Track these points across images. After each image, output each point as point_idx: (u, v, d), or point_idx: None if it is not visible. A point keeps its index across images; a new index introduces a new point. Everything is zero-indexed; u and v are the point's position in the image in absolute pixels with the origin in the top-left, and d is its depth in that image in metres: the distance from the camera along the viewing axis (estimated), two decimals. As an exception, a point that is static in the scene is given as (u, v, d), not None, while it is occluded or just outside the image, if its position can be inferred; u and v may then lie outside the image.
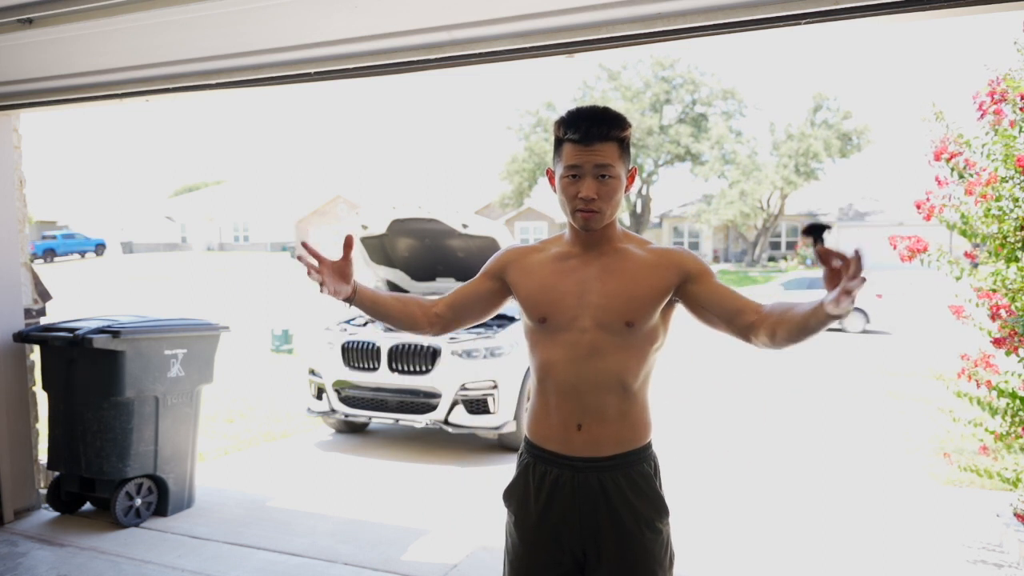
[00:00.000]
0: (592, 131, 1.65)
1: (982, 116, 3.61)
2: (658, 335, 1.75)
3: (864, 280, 1.32)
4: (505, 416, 5.59)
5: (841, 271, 1.35)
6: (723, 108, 35.03)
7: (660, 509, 1.76)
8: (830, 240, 1.42)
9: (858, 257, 1.31)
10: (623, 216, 36.40)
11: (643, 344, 1.72)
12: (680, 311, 1.80)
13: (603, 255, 1.75)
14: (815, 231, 1.44)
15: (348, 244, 1.74)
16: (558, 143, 1.72)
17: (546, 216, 40.43)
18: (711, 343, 14.01)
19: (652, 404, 1.80)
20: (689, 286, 1.72)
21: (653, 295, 1.71)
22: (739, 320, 1.66)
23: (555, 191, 1.76)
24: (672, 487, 1.92)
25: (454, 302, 1.89)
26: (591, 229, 1.71)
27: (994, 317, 3.59)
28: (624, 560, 1.71)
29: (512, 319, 6.45)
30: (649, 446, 1.79)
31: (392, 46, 3.04)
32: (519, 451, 1.88)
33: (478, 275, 1.91)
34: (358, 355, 5.91)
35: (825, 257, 1.37)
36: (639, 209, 36.39)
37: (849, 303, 1.36)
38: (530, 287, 1.78)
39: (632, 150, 1.75)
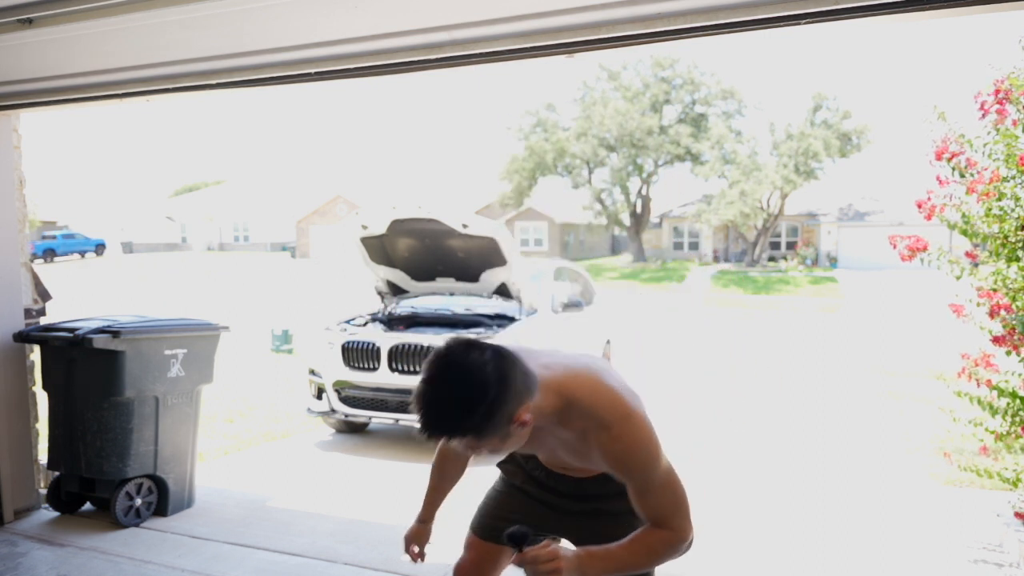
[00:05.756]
0: (435, 435, 1.61)
1: (984, 115, 3.60)
2: None
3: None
4: (505, 416, 5.57)
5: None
6: (723, 108, 34.99)
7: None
8: None
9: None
10: (623, 216, 36.43)
11: None
12: None
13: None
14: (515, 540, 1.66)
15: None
16: None
17: (546, 216, 40.44)
18: (705, 341, 14.00)
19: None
20: None
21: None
22: None
23: None
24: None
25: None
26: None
27: (992, 315, 3.59)
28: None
29: (512, 319, 6.44)
30: None
31: (392, 46, 3.04)
32: None
33: None
34: (358, 355, 5.91)
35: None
36: (639, 209, 36.38)
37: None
38: None
39: None
